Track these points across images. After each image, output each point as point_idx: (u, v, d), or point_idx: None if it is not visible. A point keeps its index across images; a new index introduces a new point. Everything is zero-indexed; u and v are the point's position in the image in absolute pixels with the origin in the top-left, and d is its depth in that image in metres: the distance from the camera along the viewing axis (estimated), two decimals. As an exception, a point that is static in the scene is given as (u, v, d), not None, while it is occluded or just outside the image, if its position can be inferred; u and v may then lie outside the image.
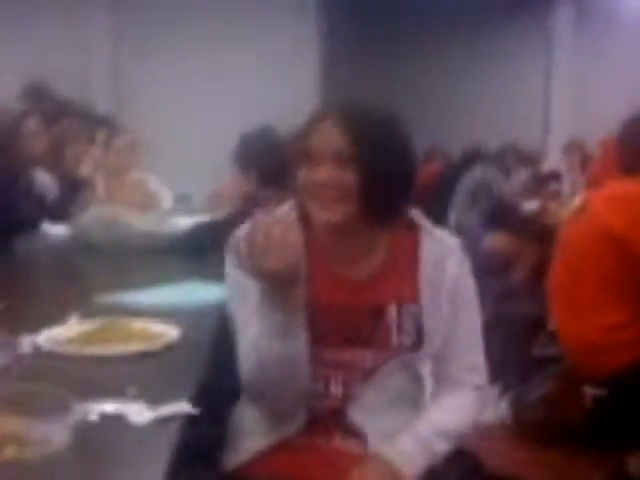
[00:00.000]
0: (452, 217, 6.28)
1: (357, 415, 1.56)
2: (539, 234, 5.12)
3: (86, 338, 1.66)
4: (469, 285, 1.61)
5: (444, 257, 1.57)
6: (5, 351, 1.57)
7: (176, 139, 7.66)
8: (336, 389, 1.57)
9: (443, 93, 10.27)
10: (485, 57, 10.62)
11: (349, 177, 1.46)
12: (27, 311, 1.99)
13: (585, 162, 6.38)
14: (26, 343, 1.63)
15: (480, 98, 10.43)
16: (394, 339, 1.55)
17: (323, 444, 1.57)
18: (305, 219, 1.53)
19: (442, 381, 1.63)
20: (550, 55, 10.42)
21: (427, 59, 10.45)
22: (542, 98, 10.45)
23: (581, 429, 3.07)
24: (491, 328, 4.25)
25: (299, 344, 1.46)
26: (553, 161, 8.13)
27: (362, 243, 1.57)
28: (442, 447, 1.54)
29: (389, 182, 1.48)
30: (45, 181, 3.97)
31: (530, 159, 7.42)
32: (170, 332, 1.72)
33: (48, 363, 1.56)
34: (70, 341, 1.64)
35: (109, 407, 1.27)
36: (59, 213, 3.64)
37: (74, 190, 3.96)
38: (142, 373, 1.50)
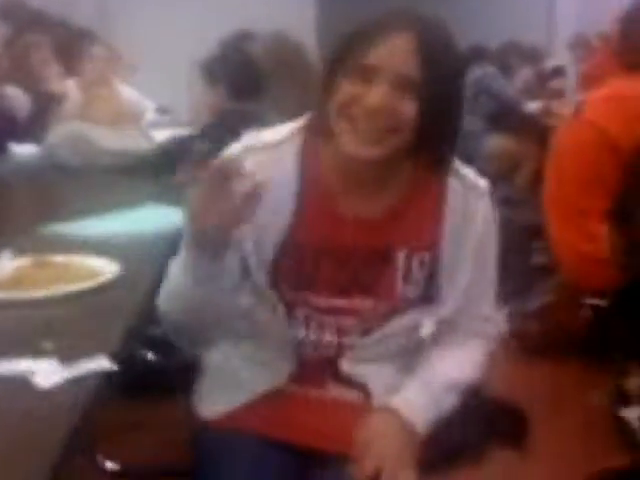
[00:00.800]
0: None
1: (352, 366, 1.38)
2: (542, 136, 4.93)
3: (10, 279, 1.48)
4: (494, 239, 1.40)
5: (474, 207, 1.35)
6: None
7: (160, 49, 7.36)
8: (331, 337, 1.37)
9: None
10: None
11: (409, 107, 1.21)
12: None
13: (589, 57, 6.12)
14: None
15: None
16: (399, 290, 1.34)
17: (315, 394, 1.39)
18: (308, 148, 1.34)
19: (452, 332, 1.41)
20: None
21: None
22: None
23: (581, 340, 3.03)
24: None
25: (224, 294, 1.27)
26: (558, 58, 7.81)
27: (381, 180, 1.34)
28: (451, 401, 1.37)
29: (447, 119, 1.27)
30: (15, 98, 3.80)
31: (533, 56, 7.12)
32: (108, 268, 1.54)
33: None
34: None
35: (10, 366, 1.10)
36: (30, 131, 3.48)
37: (45, 106, 3.79)
38: (64, 320, 1.33)
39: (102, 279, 1.49)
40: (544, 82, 6.78)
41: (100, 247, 1.73)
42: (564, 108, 5.01)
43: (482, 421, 2.47)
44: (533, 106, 5.97)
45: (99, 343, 1.20)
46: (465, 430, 2.17)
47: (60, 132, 3.33)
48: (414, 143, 1.25)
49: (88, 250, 1.68)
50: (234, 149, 1.34)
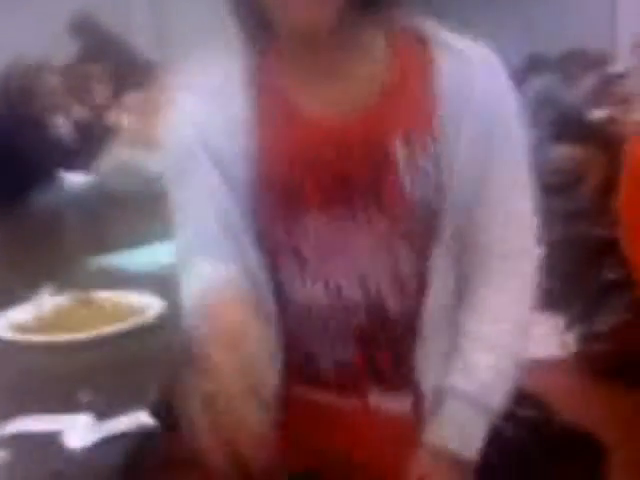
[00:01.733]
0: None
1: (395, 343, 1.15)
2: (608, 144, 4.77)
3: (48, 321, 1.42)
4: (507, 109, 1.16)
5: (469, 74, 1.13)
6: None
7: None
8: (352, 293, 1.12)
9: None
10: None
11: None
12: (5, 280, 1.77)
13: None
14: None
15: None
16: (405, 181, 1.11)
17: (351, 405, 1.17)
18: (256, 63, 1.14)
19: (475, 267, 1.17)
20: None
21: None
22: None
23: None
24: (559, 250, 3.96)
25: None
26: (622, 63, 7.60)
27: (348, 63, 1.13)
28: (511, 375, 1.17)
29: None
30: (65, 127, 3.83)
31: (596, 63, 6.91)
32: (153, 305, 1.46)
33: (3, 352, 1.35)
34: (28, 326, 1.40)
35: (41, 422, 1.02)
36: (81, 160, 3.49)
37: (98, 134, 3.81)
38: (103, 366, 1.25)
39: (145, 319, 1.41)
40: (609, 88, 6.58)
41: (147, 280, 1.66)
42: (631, 114, 4.84)
43: (552, 449, 2.34)
44: (598, 114, 5.78)
45: (139, 393, 1.12)
46: (534, 458, 2.04)
47: (111, 160, 3.34)
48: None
49: (134, 283, 1.62)
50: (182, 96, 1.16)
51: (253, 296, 1.04)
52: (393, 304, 1.14)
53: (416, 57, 1.15)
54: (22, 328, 1.39)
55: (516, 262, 1.18)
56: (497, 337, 1.17)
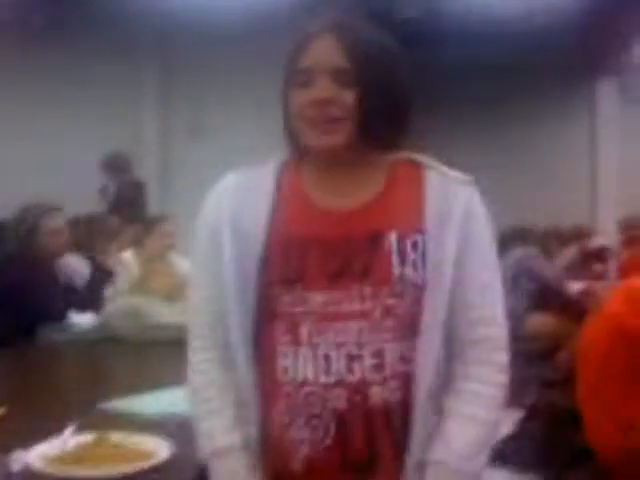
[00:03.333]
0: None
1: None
2: (585, 316, 4.95)
3: (72, 456, 1.62)
4: (484, 227, 1.40)
5: (453, 190, 1.39)
6: (-6, 470, 1.55)
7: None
8: (339, 368, 1.30)
9: (476, 164, 10.13)
10: (526, 130, 10.53)
11: (349, 95, 1.35)
12: (27, 418, 1.97)
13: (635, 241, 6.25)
14: (17, 461, 1.60)
15: (522, 171, 10.32)
16: (395, 269, 1.32)
17: None
18: (285, 164, 1.46)
19: (454, 361, 1.35)
20: (594, 133, 10.33)
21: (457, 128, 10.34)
22: (589, 173, 10.32)
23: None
24: (534, 416, 4.11)
25: None
26: (601, 239, 7.96)
27: (356, 174, 1.42)
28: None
29: (388, 101, 1.38)
30: (75, 268, 3.99)
31: (575, 236, 7.26)
32: (161, 449, 1.66)
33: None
34: (55, 459, 1.60)
35: None
36: (88, 301, 3.65)
37: (104, 278, 3.98)
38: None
39: (155, 461, 1.60)
40: (588, 262, 6.87)
41: (156, 425, 1.86)
42: (605, 291, 5.07)
43: None
44: (576, 286, 6.03)
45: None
46: None
47: (117, 305, 3.50)
48: (364, 129, 1.36)
49: (145, 427, 1.82)
50: (226, 176, 1.46)
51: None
52: (374, 393, 1.29)
53: (409, 173, 1.43)
54: (50, 462, 1.59)
55: (487, 352, 1.36)
56: (474, 412, 1.33)
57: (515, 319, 5.53)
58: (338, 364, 1.30)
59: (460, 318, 1.35)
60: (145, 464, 1.60)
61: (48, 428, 1.77)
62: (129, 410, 2.03)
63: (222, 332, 1.37)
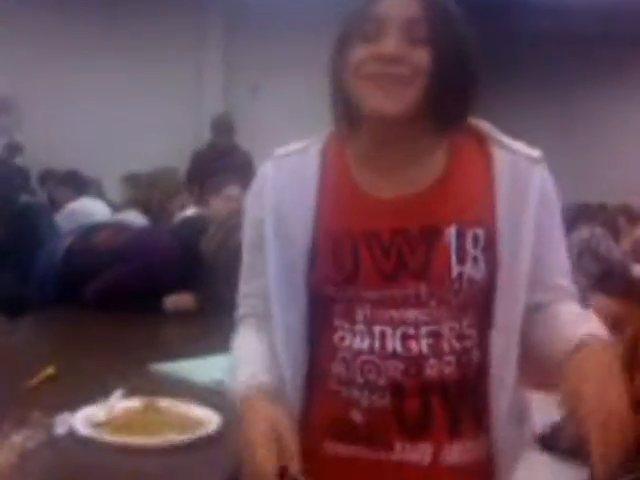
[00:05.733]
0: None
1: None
2: (647, 301, 4.82)
3: (120, 422, 1.59)
4: (556, 206, 1.30)
5: (526, 173, 1.26)
6: (39, 431, 1.52)
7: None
8: (394, 346, 1.24)
9: (545, 141, 9.86)
10: (597, 107, 10.24)
11: (421, 54, 1.19)
12: (75, 379, 1.95)
13: None
14: (61, 423, 1.58)
15: (588, 149, 10.05)
16: (454, 268, 1.22)
17: (378, 457, 1.26)
18: (330, 144, 1.32)
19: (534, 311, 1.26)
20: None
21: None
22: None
23: None
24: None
25: None
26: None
27: (414, 154, 1.27)
28: None
29: (460, 67, 1.22)
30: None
31: (644, 218, 7.05)
32: (211, 419, 1.62)
33: (77, 448, 1.50)
34: (102, 424, 1.58)
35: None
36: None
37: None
38: (166, 471, 1.41)
39: (203, 431, 1.57)
40: (653, 245, 6.68)
41: (203, 393, 1.83)
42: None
43: None
44: (639, 269, 5.87)
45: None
46: None
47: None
48: (431, 98, 1.21)
49: (194, 394, 1.79)
50: (264, 164, 1.35)
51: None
52: (430, 368, 1.24)
53: (475, 152, 1.29)
54: (96, 426, 1.56)
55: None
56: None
57: (578, 298, 5.40)
58: (394, 341, 1.24)
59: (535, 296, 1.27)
60: (194, 434, 1.56)
61: (96, 390, 1.75)
62: (178, 375, 2.01)
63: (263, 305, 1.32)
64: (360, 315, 1.25)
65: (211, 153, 6.36)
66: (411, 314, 1.24)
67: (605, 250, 5.99)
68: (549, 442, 2.74)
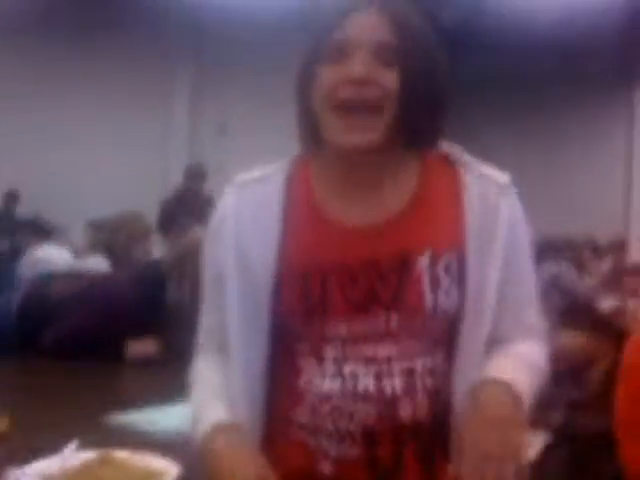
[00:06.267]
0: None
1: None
2: (615, 335, 4.83)
3: (74, 476, 1.52)
4: (525, 234, 1.27)
5: (495, 198, 1.23)
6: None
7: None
8: (367, 385, 1.19)
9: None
10: (561, 142, 10.38)
11: (391, 76, 1.16)
12: (26, 433, 1.87)
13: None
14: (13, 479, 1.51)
15: (555, 182, 10.16)
16: (427, 297, 1.18)
17: None
18: (295, 171, 1.28)
19: (495, 344, 1.24)
20: (631, 141, 10.15)
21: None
22: (623, 186, 10.15)
23: None
24: (561, 441, 3.98)
25: None
26: (634, 254, 7.79)
27: (382, 178, 1.23)
28: (536, 382, 1.25)
29: (430, 91, 1.19)
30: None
31: (609, 251, 7.12)
32: (168, 471, 1.56)
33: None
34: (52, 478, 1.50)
35: None
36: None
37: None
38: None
39: (162, 484, 1.50)
40: (621, 278, 6.73)
41: (162, 443, 1.77)
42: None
43: None
44: (607, 303, 5.89)
45: None
46: None
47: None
48: (401, 122, 1.18)
49: (151, 444, 1.72)
50: (226, 191, 1.31)
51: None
52: (404, 409, 1.19)
53: (445, 176, 1.26)
54: (49, 481, 1.49)
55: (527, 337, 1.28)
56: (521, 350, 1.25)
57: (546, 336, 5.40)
58: (366, 381, 1.19)
59: (503, 328, 1.25)
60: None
61: (49, 443, 1.68)
62: (135, 426, 1.95)
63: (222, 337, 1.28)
64: (329, 353, 1.21)
65: (178, 200, 6.40)
66: (383, 349, 1.19)
67: (571, 284, 6.02)
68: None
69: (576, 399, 4.53)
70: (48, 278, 3.18)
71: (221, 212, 1.29)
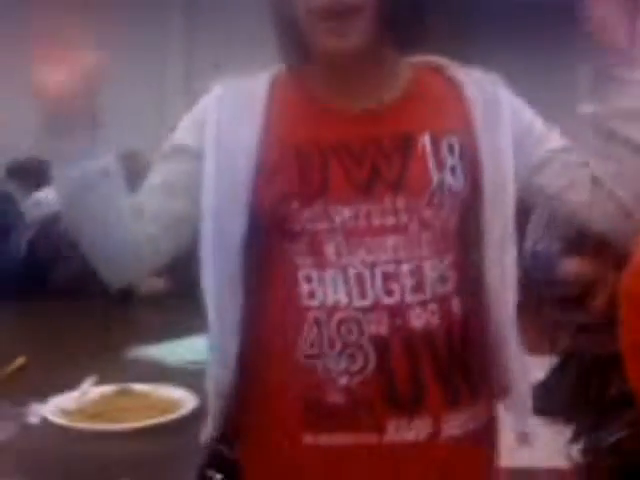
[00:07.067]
0: (528, 244, 5.98)
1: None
2: (620, 260, 4.83)
3: (93, 409, 1.55)
4: (530, 116, 1.25)
5: (493, 90, 1.23)
6: (10, 422, 1.49)
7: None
8: (373, 289, 1.12)
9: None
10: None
11: None
12: (46, 368, 1.89)
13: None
14: (33, 413, 1.54)
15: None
16: (433, 176, 1.14)
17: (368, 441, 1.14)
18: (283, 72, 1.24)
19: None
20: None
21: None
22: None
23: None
24: (567, 362, 4.02)
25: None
26: None
27: (374, 75, 1.20)
28: None
29: None
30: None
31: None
32: (187, 401, 1.58)
33: (50, 437, 1.46)
34: (74, 413, 1.53)
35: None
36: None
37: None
38: (141, 456, 1.37)
39: (181, 413, 1.53)
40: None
41: (179, 374, 1.79)
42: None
43: None
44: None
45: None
46: None
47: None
48: (383, 24, 1.13)
49: (169, 376, 1.76)
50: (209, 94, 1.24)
51: None
52: (416, 315, 1.13)
53: (438, 75, 1.25)
54: (69, 414, 1.52)
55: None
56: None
57: (549, 262, 5.40)
58: (374, 285, 1.11)
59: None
60: (169, 417, 1.52)
61: (67, 378, 1.71)
62: (151, 359, 1.97)
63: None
64: (330, 252, 1.12)
65: None
66: (390, 241, 1.12)
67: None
68: (538, 404, 2.77)
69: (582, 323, 4.58)
70: (53, 219, 3.18)
71: (204, 101, 1.23)
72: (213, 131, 1.18)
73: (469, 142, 1.18)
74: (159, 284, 2.94)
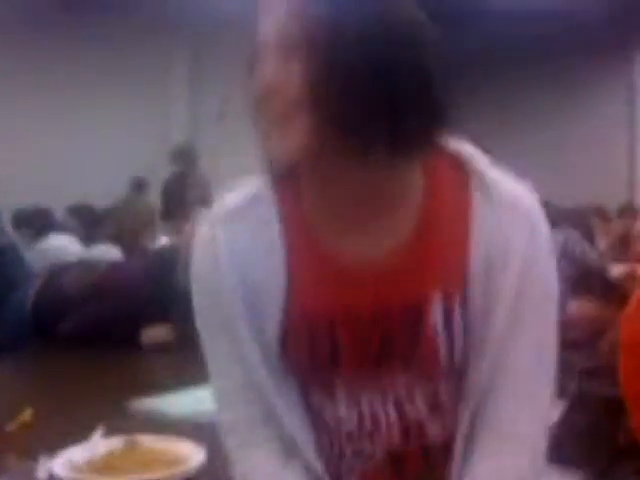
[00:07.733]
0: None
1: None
2: (627, 301, 4.82)
3: (102, 463, 1.55)
4: (545, 278, 1.06)
5: (509, 232, 1.01)
6: (18, 477, 1.49)
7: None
8: (388, 416, 1.09)
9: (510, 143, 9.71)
10: (563, 106, 10.33)
11: (294, 67, 0.93)
12: (53, 421, 1.89)
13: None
14: (42, 468, 1.53)
15: (557, 150, 10.11)
16: (443, 358, 1.04)
17: None
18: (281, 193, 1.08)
19: (479, 429, 1.08)
20: (633, 106, 10.11)
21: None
22: (626, 152, 10.12)
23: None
24: (576, 407, 3.98)
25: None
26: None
27: (380, 196, 1.01)
28: None
29: (368, 76, 0.92)
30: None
31: (619, 216, 7.10)
32: (194, 455, 1.58)
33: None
34: (83, 467, 1.53)
35: None
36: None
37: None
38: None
39: (188, 468, 1.53)
40: (630, 245, 6.72)
41: (186, 426, 1.79)
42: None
43: None
44: (617, 270, 5.88)
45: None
46: None
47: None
48: (330, 120, 0.93)
49: (175, 429, 1.75)
50: (203, 228, 1.12)
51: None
52: (432, 428, 1.10)
53: (454, 190, 1.05)
54: (78, 469, 1.52)
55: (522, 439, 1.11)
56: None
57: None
58: (385, 408, 1.10)
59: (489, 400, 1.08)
60: (178, 471, 1.52)
61: (75, 431, 1.70)
62: (158, 410, 1.98)
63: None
64: (342, 390, 1.10)
65: (180, 183, 6.38)
66: (401, 378, 1.09)
67: (580, 253, 6.00)
68: (548, 454, 2.74)
69: (589, 367, 4.54)
70: (61, 269, 3.20)
71: (209, 250, 1.09)
72: (237, 284, 1.07)
73: (466, 301, 1.04)
74: (165, 333, 2.94)
